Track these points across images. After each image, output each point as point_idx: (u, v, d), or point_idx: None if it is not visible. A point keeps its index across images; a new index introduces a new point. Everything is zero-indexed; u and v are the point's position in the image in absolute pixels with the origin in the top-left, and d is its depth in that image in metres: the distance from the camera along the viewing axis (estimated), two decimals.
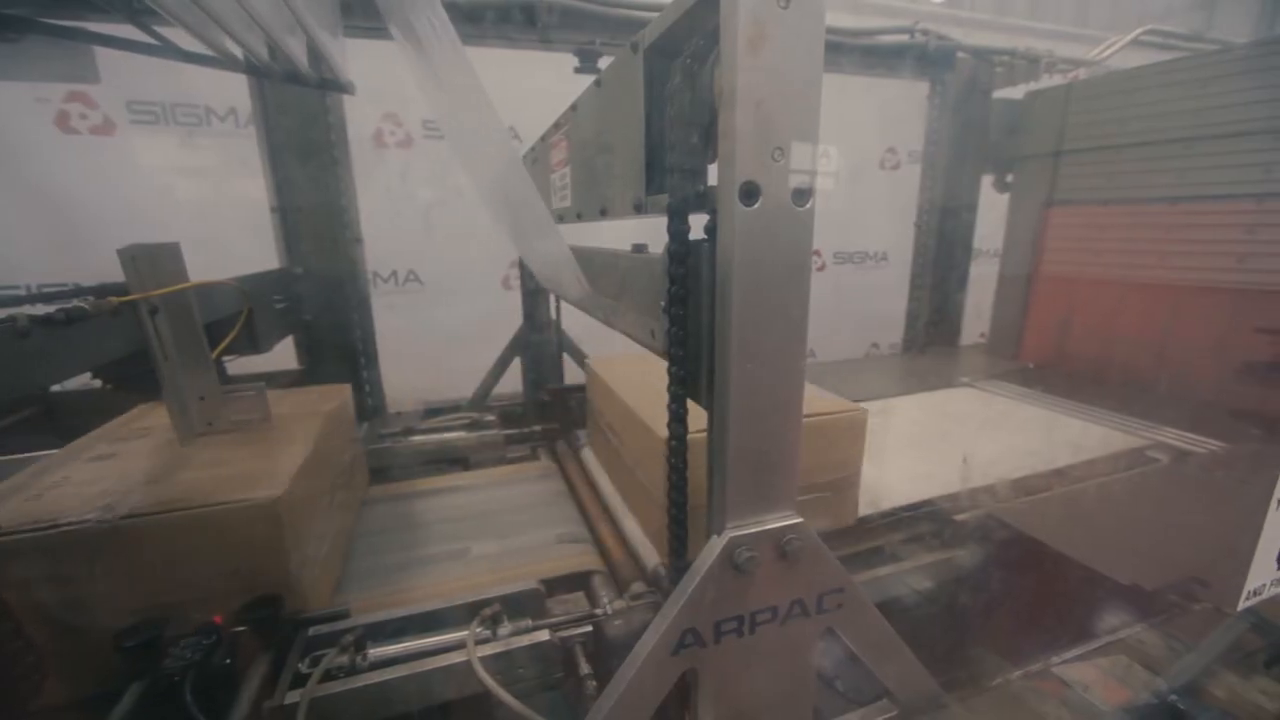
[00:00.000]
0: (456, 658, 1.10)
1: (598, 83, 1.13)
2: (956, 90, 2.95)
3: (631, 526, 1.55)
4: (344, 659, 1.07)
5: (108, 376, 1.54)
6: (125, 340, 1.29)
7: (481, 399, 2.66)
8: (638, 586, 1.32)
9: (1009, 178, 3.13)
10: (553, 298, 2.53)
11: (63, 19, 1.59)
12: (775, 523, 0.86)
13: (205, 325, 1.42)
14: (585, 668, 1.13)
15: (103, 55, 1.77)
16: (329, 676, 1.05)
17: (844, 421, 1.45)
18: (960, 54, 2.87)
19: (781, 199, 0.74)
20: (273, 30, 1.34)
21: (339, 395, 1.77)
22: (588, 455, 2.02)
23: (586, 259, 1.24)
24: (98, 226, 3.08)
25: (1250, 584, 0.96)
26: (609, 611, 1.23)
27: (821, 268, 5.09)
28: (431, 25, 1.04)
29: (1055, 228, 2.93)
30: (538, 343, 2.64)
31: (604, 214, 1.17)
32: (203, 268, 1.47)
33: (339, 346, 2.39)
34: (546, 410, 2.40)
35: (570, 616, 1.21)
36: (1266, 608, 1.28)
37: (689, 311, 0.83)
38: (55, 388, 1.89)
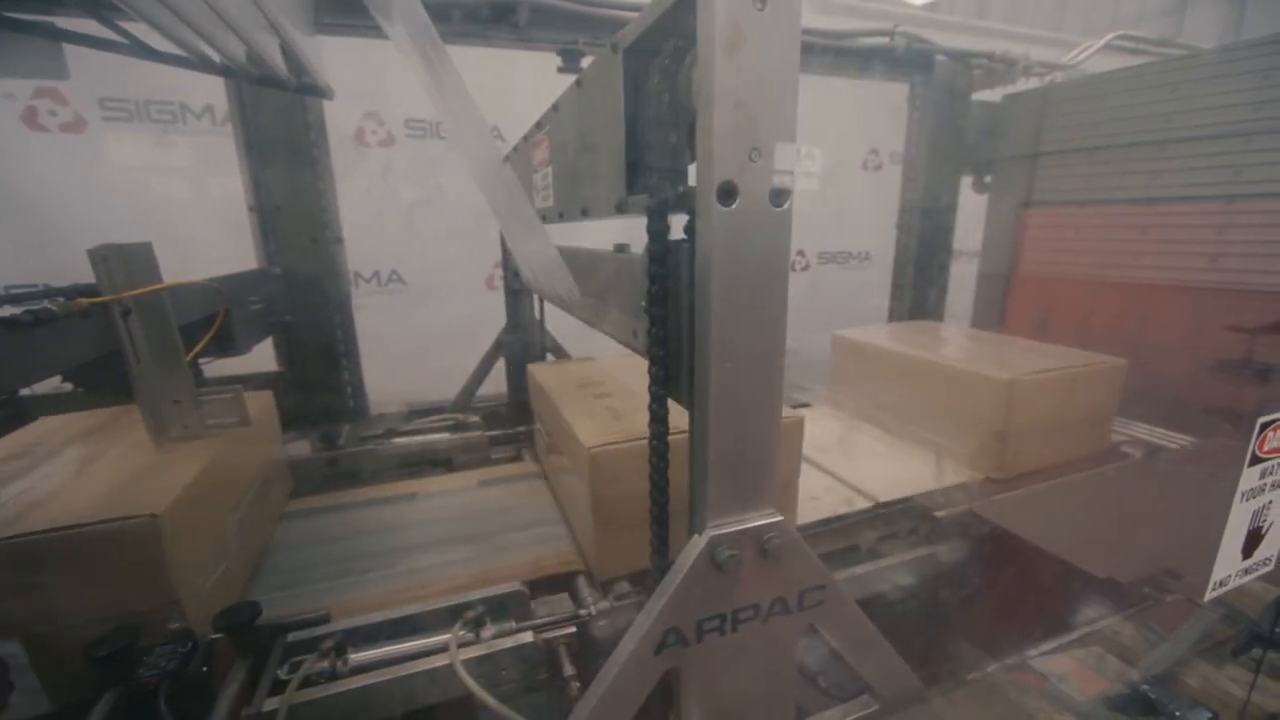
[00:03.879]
0: (439, 661, 1.09)
1: (579, 83, 1.12)
2: (936, 93, 2.99)
3: None
4: (324, 664, 1.05)
5: (79, 379, 1.51)
6: (96, 342, 1.26)
7: (465, 400, 2.64)
8: (622, 587, 1.32)
9: (988, 179, 3.18)
10: (536, 298, 2.52)
11: (30, 13, 1.55)
12: (756, 521, 0.86)
13: (180, 327, 1.39)
14: (569, 669, 1.12)
15: (73, 51, 1.72)
16: (309, 683, 1.04)
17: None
18: (939, 57, 2.91)
19: (759, 200, 0.74)
20: (248, 34, 1.32)
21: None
22: None
23: (570, 258, 1.24)
24: (68, 226, 3.00)
25: (1216, 575, 0.98)
26: (593, 612, 1.22)
27: (806, 267, 5.12)
28: (411, 23, 1.04)
29: (1033, 228, 2.99)
30: (521, 343, 2.62)
31: (585, 214, 1.16)
32: (177, 268, 1.44)
33: (319, 347, 2.36)
34: (530, 411, 2.39)
35: (554, 618, 1.21)
36: (1235, 598, 1.31)
37: (669, 311, 0.83)
38: (24, 391, 1.84)
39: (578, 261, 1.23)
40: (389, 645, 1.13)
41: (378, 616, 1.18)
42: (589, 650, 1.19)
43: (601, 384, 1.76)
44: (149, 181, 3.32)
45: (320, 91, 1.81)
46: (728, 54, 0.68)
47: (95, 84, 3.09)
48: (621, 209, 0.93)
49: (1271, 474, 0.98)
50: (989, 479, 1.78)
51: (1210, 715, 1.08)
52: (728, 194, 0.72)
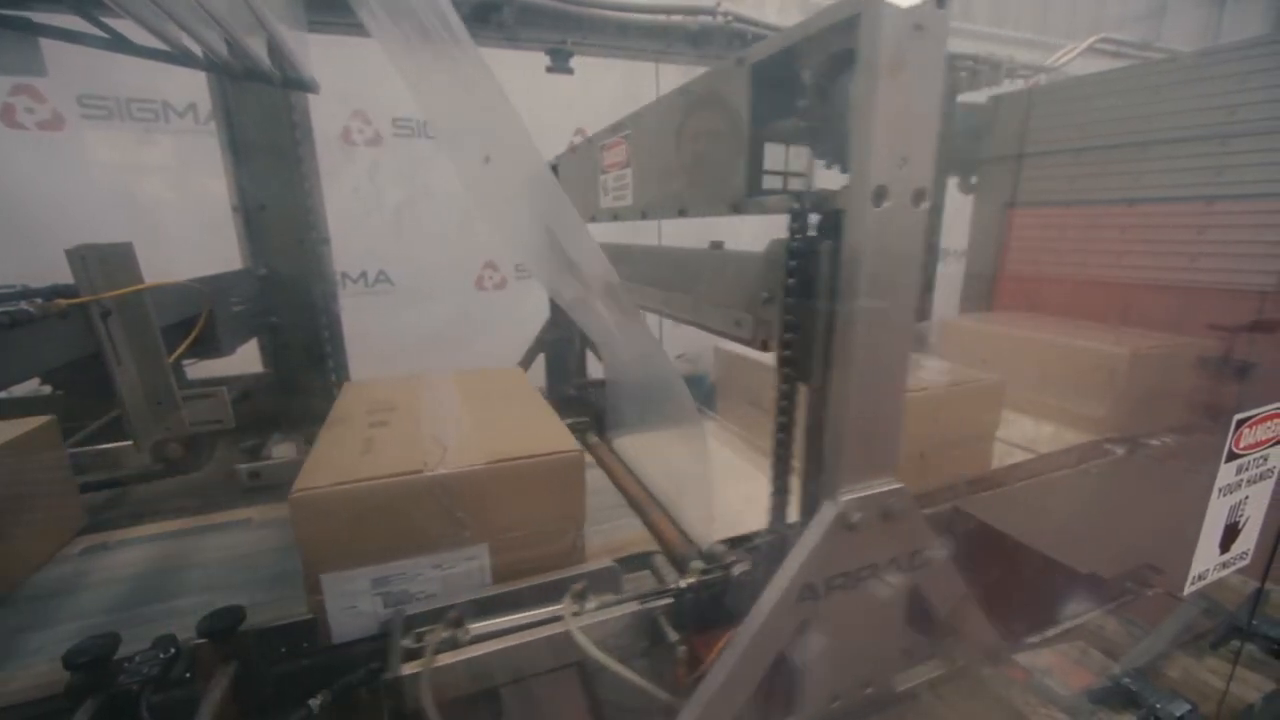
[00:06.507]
0: (556, 629, 1.17)
1: (682, 91, 1.19)
2: None
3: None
4: (447, 634, 1.14)
5: (58, 381, 1.48)
6: (76, 344, 1.23)
7: None
8: (697, 564, 1.34)
9: (973, 180, 3.21)
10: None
11: (6, 8, 1.52)
12: (881, 487, 0.94)
13: (162, 328, 1.37)
14: (673, 635, 1.20)
15: (51, 48, 1.69)
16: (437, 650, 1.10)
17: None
18: None
19: (904, 200, 0.83)
20: (231, 27, 1.30)
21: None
22: (624, 445, 2.12)
23: (645, 255, 1.28)
24: (47, 225, 2.95)
25: (1195, 569, 1.00)
26: (683, 585, 1.27)
27: None
28: (443, 25, 1.05)
29: (1018, 228, 3.02)
30: (561, 339, 2.63)
31: (683, 213, 1.24)
32: (161, 269, 1.41)
33: (306, 349, 2.33)
34: (573, 404, 2.45)
35: (657, 589, 1.28)
36: (1214, 591, 1.34)
37: (804, 299, 0.90)
38: (1, 394, 1.81)
39: (655, 258, 1.27)
40: (502, 617, 1.20)
41: (488, 591, 1.27)
42: (688, 618, 1.25)
43: (394, 409, 1.62)
44: (130, 181, 3.27)
45: (306, 85, 1.79)
46: (891, 75, 0.75)
47: (74, 81, 3.03)
48: (738, 209, 1.02)
49: (1247, 469, 1.00)
50: (1107, 438, 2.02)
51: (1189, 707, 1.10)
52: (880, 195, 0.80)
